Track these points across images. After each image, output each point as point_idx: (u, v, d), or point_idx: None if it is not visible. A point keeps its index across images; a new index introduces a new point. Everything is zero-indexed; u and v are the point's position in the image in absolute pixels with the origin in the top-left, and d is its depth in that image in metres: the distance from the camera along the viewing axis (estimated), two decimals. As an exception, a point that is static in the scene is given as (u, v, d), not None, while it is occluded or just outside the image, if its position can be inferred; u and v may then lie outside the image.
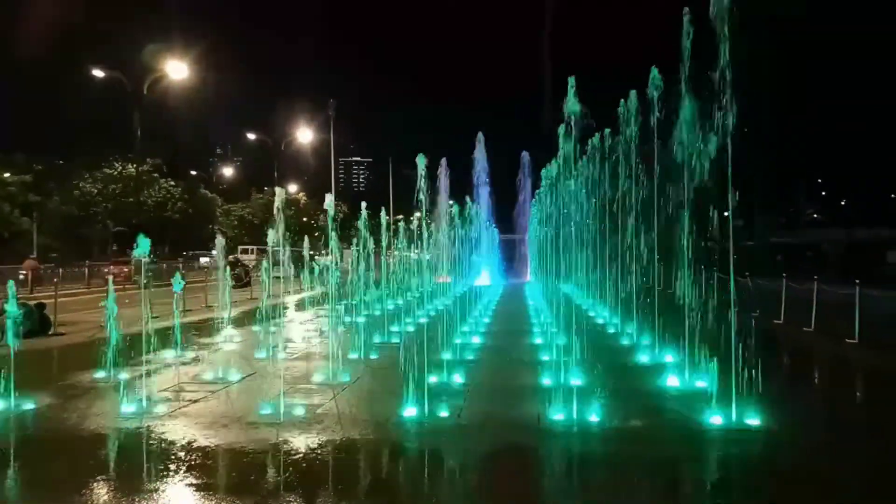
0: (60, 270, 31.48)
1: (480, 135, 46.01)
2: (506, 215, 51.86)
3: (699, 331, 9.36)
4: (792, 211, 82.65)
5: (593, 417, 7.73)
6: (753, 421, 7.54)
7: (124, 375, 10.21)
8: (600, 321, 17.84)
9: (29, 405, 8.43)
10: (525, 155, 51.31)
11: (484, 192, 47.66)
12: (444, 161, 50.98)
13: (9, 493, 6.06)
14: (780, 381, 10.83)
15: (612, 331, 16.04)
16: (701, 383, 9.35)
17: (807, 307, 15.98)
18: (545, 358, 11.62)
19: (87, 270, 32.05)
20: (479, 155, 45.57)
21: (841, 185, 75.26)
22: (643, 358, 11.99)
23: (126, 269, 30.67)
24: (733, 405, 7.64)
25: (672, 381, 9.83)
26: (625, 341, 14.13)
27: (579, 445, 7.20)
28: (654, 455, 6.77)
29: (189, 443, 7.02)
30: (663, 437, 7.39)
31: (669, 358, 11.25)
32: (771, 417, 7.59)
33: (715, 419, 7.65)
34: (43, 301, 16.39)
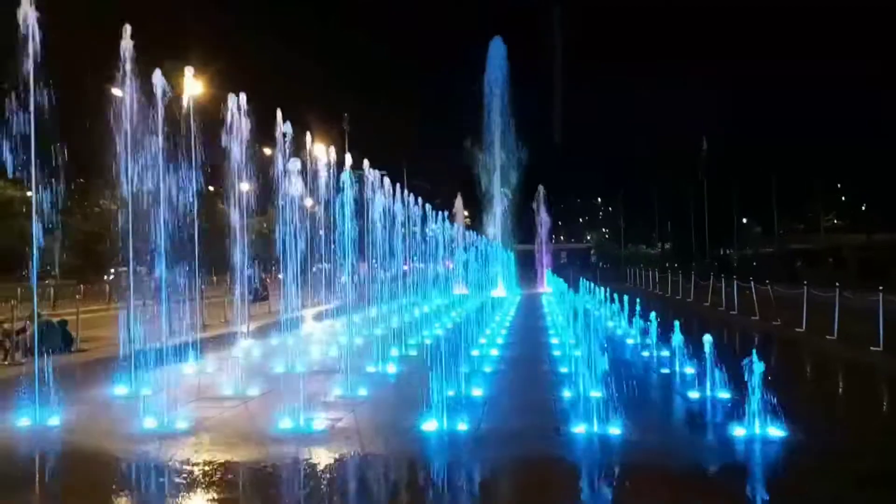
0: (82, 287, 31.95)
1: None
2: (522, 225, 51.84)
3: (721, 341, 9.24)
4: (811, 216, 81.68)
5: (614, 430, 7.68)
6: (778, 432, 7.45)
7: (146, 391, 10.31)
8: (619, 332, 17.73)
9: (54, 420, 8.53)
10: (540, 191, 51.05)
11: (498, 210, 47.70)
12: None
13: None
14: (803, 391, 10.70)
15: (630, 341, 15.93)
16: (723, 394, 9.26)
17: (828, 315, 15.77)
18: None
19: (107, 287, 32.43)
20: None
21: (861, 190, 74.33)
22: (663, 369, 11.89)
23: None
24: (756, 417, 7.54)
25: (694, 394, 9.72)
26: (645, 353, 14.03)
27: (599, 452, 7.15)
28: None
29: (210, 458, 7.06)
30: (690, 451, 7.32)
31: (690, 369, 11.14)
32: (797, 427, 7.50)
33: (738, 431, 7.57)
34: (65, 318, 16.61)
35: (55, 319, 16.07)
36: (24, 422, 8.43)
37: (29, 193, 10.47)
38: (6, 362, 13.47)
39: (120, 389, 10.55)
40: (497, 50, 47.42)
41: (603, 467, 6.90)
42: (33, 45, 9.22)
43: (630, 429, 7.69)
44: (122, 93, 11.32)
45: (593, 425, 7.75)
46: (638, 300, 17.17)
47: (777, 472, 6.73)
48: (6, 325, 14.27)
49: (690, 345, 11.26)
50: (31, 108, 9.27)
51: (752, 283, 22.43)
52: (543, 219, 50.52)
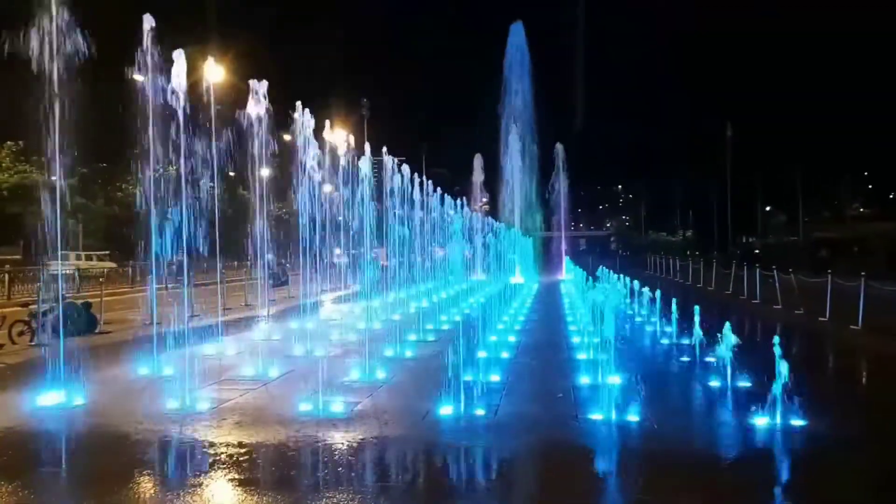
0: (105, 270, 32.45)
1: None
2: (540, 212, 51.58)
3: (741, 330, 9.12)
4: (837, 205, 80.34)
5: (632, 417, 7.64)
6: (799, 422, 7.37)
7: (168, 372, 10.47)
8: (639, 320, 17.63)
9: (79, 400, 8.70)
10: (559, 148, 50.96)
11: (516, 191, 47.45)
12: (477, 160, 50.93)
13: (60, 486, 6.27)
14: (826, 381, 10.56)
15: (649, 329, 15.82)
16: (744, 383, 9.17)
17: (854, 304, 15.51)
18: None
19: (130, 270, 32.91)
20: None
21: (890, 178, 72.82)
22: (683, 357, 11.79)
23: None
24: (779, 407, 7.45)
25: (713, 382, 9.63)
26: (664, 340, 13.92)
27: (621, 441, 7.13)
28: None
29: (231, 439, 7.15)
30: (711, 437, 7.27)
31: (712, 358, 11.04)
32: (818, 417, 7.41)
33: (760, 420, 7.49)
34: (89, 300, 16.89)
35: (79, 301, 16.36)
36: (49, 401, 8.60)
37: (53, 178, 10.61)
38: (32, 343, 13.74)
39: (142, 370, 10.72)
40: (517, 35, 47.05)
41: (621, 454, 6.87)
42: (57, 31, 9.29)
43: (649, 416, 7.65)
44: (144, 78, 11.40)
45: (612, 412, 7.72)
46: (658, 288, 17.03)
47: (799, 463, 6.65)
48: (32, 307, 14.54)
49: (710, 333, 11.15)
50: (54, 91, 9.36)
51: (776, 271, 22.10)
52: (561, 185, 50.05)
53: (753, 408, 7.64)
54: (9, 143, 41.16)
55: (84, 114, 9.99)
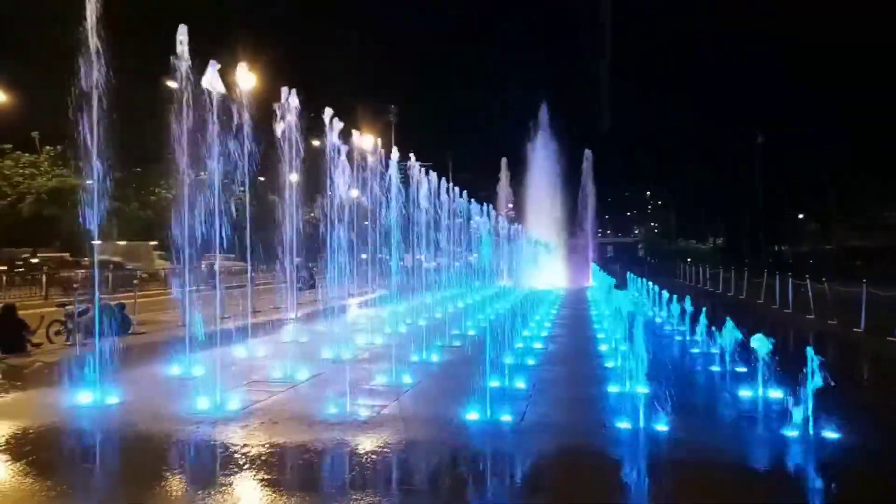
0: (139, 272, 33.13)
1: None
2: (567, 218, 51.29)
3: (772, 339, 8.97)
4: (871, 213, 78.42)
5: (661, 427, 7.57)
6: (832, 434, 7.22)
7: (199, 373, 10.66)
8: (667, 328, 17.43)
9: (113, 399, 8.90)
10: (588, 154, 50.69)
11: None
12: (504, 163, 50.91)
13: (95, 483, 6.43)
14: (862, 393, 10.34)
15: (679, 338, 15.64)
16: (775, 394, 9.02)
17: (889, 314, 15.14)
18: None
19: (163, 272, 33.55)
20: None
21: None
22: (712, 367, 11.63)
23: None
24: (810, 419, 7.32)
25: (744, 392, 9.49)
26: (694, 349, 13.75)
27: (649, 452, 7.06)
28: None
29: (259, 440, 7.26)
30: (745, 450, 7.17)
31: (742, 368, 10.87)
32: (851, 431, 7.25)
33: (787, 431, 7.36)
34: (123, 302, 17.27)
35: (114, 303, 16.73)
36: (85, 400, 8.82)
37: (89, 182, 10.92)
38: (68, 342, 14.09)
39: (175, 371, 10.93)
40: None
41: (648, 463, 6.81)
42: (92, 38, 9.56)
43: (678, 425, 7.57)
44: (177, 85, 11.67)
45: (640, 421, 7.66)
46: (688, 296, 16.83)
47: (832, 476, 6.52)
48: (69, 308, 14.91)
49: (740, 342, 10.99)
50: (92, 100, 9.63)
51: (808, 280, 21.67)
52: (589, 204, 49.77)
53: (785, 420, 7.51)
54: (47, 147, 42.37)
55: (120, 119, 10.27)
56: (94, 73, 9.55)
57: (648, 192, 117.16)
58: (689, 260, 47.87)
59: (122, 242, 39.33)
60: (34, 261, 35.41)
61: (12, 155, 41.66)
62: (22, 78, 39.23)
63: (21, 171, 41.38)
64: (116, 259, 34.62)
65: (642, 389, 8.66)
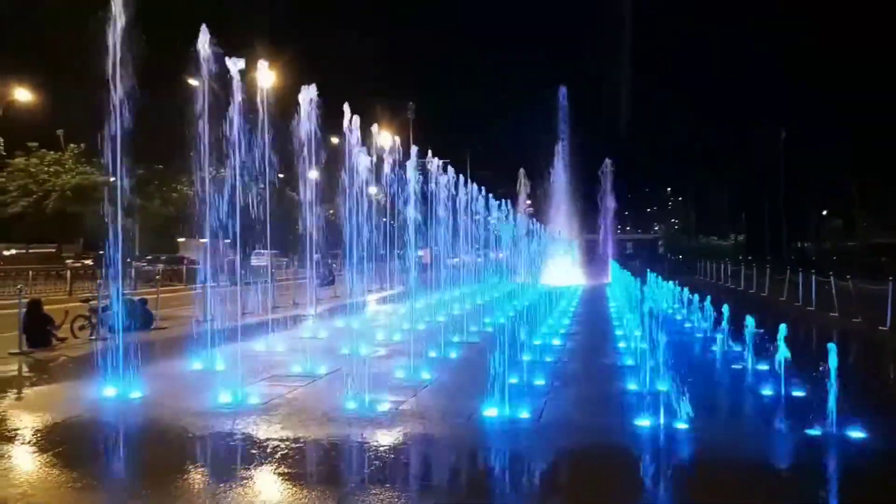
0: (161, 268, 33.53)
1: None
2: (586, 215, 51.04)
3: (795, 337, 8.85)
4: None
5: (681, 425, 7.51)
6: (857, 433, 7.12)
7: (220, 367, 10.79)
8: (688, 326, 17.27)
9: (136, 393, 9.04)
10: (607, 162, 50.24)
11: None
12: (521, 173, 50.81)
13: (118, 474, 6.54)
14: (887, 392, 10.18)
15: (699, 335, 15.49)
16: (797, 393, 8.91)
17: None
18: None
19: (184, 269, 33.94)
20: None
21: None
22: (734, 365, 11.51)
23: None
24: (833, 417, 7.22)
25: (768, 391, 9.38)
26: (714, 347, 13.61)
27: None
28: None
29: (278, 435, 7.33)
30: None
31: (764, 366, 10.74)
32: (876, 431, 7.14)
33: (812, 430, 7.26)
34: (145, 297, 17.51)
35: (136, 298, 16.97)
36: (108, 393, 8.96)
37: (112, 179, 11.11)
38: (92, 337, 14.33)
39: (196, 365, 11.06)
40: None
41: (667, 462, 6.77)
42: (114, 36, 9.69)
43: (697, 424, 7.51)
44: (198, 83, 11.80)
45: (658, 420, 7.60)
46: (709, 293, 16.67)
47: (853, 476, 6.43)
48: (92, 303, 15.16)
49: (762, 340, 10.86)
50: (113, 96, 9.77)
51: (832, 277, 21.33)
52: (608, 200, 49.46)
53: (807, 418, 7.42)
54: (71, 145, 43.03)
55: (142, 116, 10.41)
56: (116, 71, 9.68)
57: (669, 189, 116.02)
58: (712, 257, 47.31)
59: (203, 240, 40.86)
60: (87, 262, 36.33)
61: (38, 153, 42.37)
62: (47, 77, 39.91)
63: (46, 168, 42.07)
64: (190, 256, 36.84)
65: (660, 386, 8.60)
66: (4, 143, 39.17)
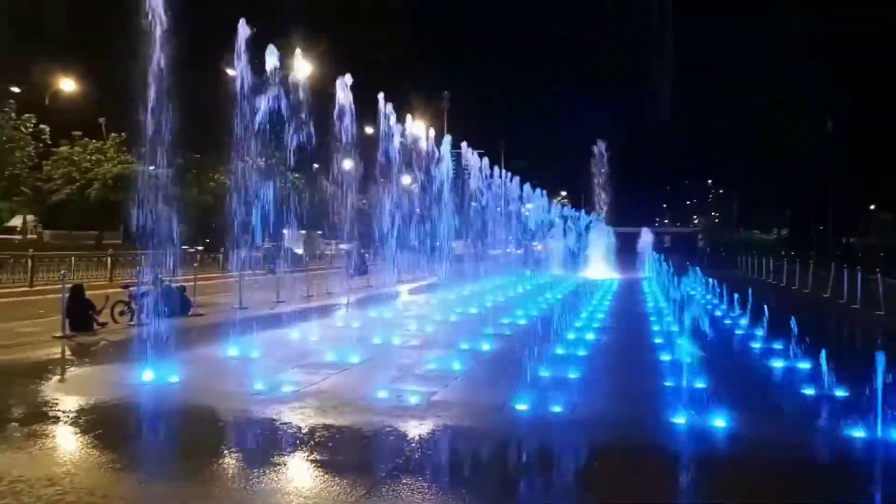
0: (198, 255, 34.18)
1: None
2: (623, 207, 50.35)
3: (836, 336, 8.55)
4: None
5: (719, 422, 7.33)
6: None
7: (255, 354, 10.93)
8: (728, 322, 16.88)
9: (173, 378, 9.21)
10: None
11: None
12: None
13: (153, 458, 6.66)
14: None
15: (739, 332, 15.13)
16: (840, 392, 8.62)
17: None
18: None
19: (221, 257, 34.50)
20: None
21: None
22: (773, 361, 11.20)
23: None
24: (879, 418, 6.95)
25: (808, 391, 9.09)
26: (754, 344, 13.27)
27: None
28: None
29: (313, 421, 7.37)
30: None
31: (805, 364, 10.43)
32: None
33: (857, 433, 7.00)
34: (183, 284, 17.84)
35: (175, 285, 17.30)
36: (146, 378, 9.15)
37: (151, 168, 11.34)
38: (132, 323, 14.65)
39: (232, 351, 11.22)
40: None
41: (702, 458, 6.61)
42: (156, 28, 9.83)
43: (735, 421, 7.31)
44: (235, 73, 11.92)
45: (694, 416, 7.43)
46: (749, 289, 16.26)
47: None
48: (132, 289, 15.49)
49: (802, 337, 10.54)
50: (152, 89, 9.92)
51: (879, 274, 20.59)
52: (645, 193, 48.62)
53: (847, 419, 7.16)
54: (113, 134, 44.02)
55: (180, 106, 10.56)
56: (155, 62, 9.83)
57: (710, 181, 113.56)
58: (754, 252, 46.12)
59: (303, 232, 43.53)
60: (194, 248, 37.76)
61: (81, 142, 43.45)
62: (90, 66, 40.89)
63: (89, 157, 43.12)
64: (291, 246, 38.82)
65: (696, 384, 8.41)
66: (50, 131, 40.25)
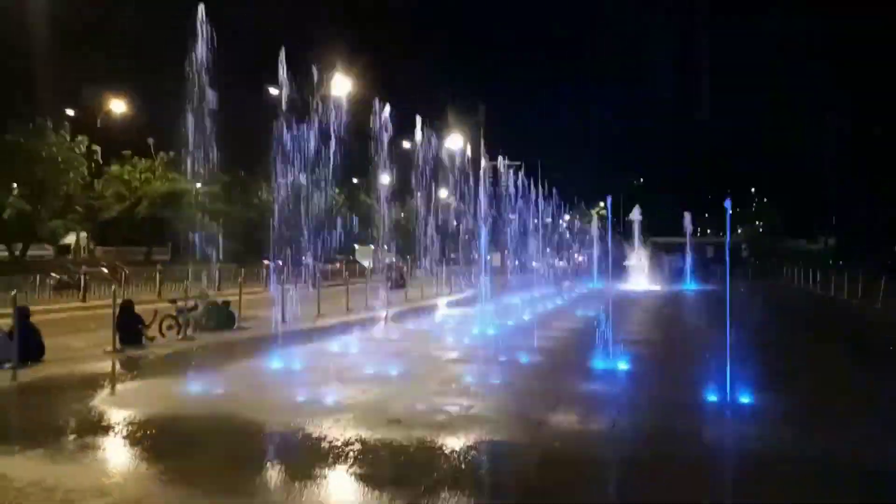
0: (243, 270, 34.94)
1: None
2: (665, 217, 49.48)
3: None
4: None
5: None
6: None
7: (297, 367, 11.13)
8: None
9: (219, 390, 9.44)
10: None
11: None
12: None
13: (199, 468, 6.84)
14: None
15: (783, 344, 14.73)
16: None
17: None
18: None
19: (264, 272, 35.16)
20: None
21: None
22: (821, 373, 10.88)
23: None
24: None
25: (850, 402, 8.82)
26: (798, 359, 12.92)
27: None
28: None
29: (353, 434, 7.46)
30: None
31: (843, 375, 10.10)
32: None
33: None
34: (228, 299, 18.28)
35: (220, 300, 17.74)
36: (193, 390, 9.41)
37: (199, 185, 11.74)
38: (179, 337, 15.07)
39: (275, 364, 11.45)
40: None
41: (748, 475, 6.47)
42: (203, 52, 10.21)
43: (786, 437, 7.14)
44: (278, 94, 12.28)
45: (737, 430, 7.29)
46: (794, 300, 15.84)
47: None
48: (179, 304, 15.94)
49: (850, 353, 10.23)
50: (197, 110, 10.29)
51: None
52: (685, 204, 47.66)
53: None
54: (161, 153, 45.47)
55: (226, 125, 10.94)
56: (201, 84, 10.20)
57: (753, 189, 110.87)
58: (800, 262, 44.75)
59: (371, 247, 45.65)
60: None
61: (131, 161, 45.00)
62: (140, 87, 42.42)
63: (138, 176, 44.63)
64: (356, 259, 42.98)
65: (743, 398, 8.25)
66: (101, 151, 41.81)
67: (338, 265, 40.31)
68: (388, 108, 15.15)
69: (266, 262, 33.33)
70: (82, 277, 25.12)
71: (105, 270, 31.60)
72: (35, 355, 11.57)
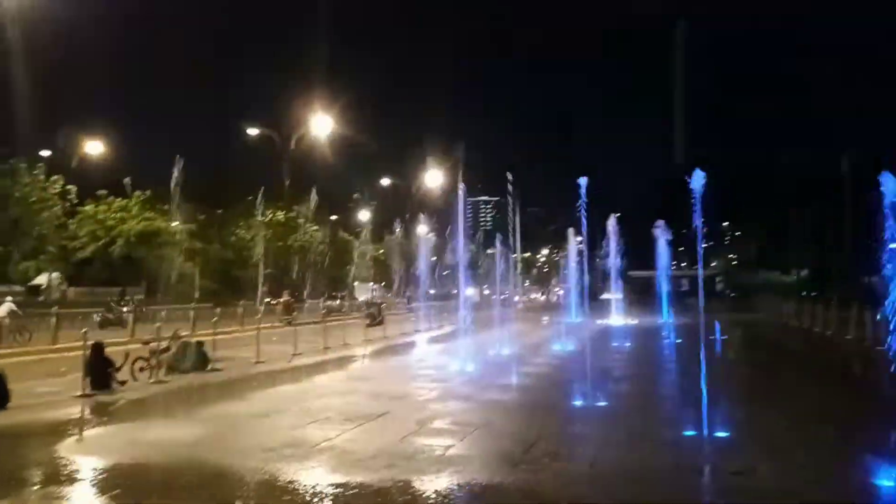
0: (218, 310, 34.47)
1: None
2: (638, 250, 49.93)
3: (859, 384, 8.40)
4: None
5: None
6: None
7: (273, 409, 10.91)
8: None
9: (189, 436, 9.19)
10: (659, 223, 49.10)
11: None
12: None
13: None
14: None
15: (761, 376, 14.85)
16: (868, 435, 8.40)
17: None
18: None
19: (240, 311, 34.74)
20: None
21: None
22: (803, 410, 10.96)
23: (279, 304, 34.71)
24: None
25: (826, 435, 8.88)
26: (781, 391, 13.01)
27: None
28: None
29: (326, 477, 7.31)
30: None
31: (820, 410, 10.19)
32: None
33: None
34: (202, 339, 17.96)
35: (193, 340, 17.42)
36: (163, 436, 9.16)
37: (174, 224, 11.63)
38: (151, 381, 14.71)
39: (248, 408, 11.21)
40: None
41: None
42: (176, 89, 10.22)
43: (764, 472, 7.14)
44: (255, 132, 12.30)
45: (727, 466, 7.27)
46: (769, 331, 16.03)
47: None
48: (152, 345, 15.61)
49: (826, 385, 10.33)
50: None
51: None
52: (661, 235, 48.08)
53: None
54: (137, 193, 45.19)
55: (201, 164, 10.91)
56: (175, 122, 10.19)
57: (726, 223, 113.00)
58: (774, 293, 45.44)
59: (371, 284, 47.83)
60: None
61: (106, 200, 44.62)
62: (117, 128, 42.37)
63: (113, 215, 44.19)
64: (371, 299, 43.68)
65: (720, 432, 8.26)
66: (76, 190, 41.43)
67: (337, 302, 43.03)
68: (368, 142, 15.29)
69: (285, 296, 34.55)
70: (55, 318, 24.54)
71: None
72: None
